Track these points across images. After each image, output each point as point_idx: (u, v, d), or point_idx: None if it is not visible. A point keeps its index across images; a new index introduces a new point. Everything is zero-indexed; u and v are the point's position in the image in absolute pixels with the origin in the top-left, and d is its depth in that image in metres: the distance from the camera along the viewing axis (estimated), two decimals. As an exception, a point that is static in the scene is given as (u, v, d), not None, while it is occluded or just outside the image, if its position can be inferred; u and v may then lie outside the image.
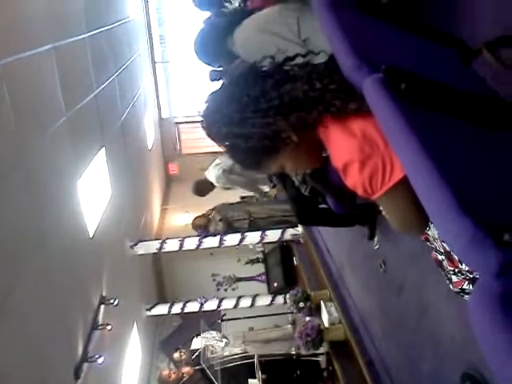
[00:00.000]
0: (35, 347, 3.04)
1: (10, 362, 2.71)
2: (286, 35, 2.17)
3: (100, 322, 4.40)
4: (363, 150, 1.04)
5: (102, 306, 4.57)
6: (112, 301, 4.64)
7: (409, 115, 0.85)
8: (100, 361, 3.96)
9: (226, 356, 5.89)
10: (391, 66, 0.93)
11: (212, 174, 5.45)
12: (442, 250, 1.32)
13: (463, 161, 0.86)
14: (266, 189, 6.32)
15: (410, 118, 0.85)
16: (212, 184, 5.55)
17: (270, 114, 1.15)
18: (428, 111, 0.92)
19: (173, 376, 5.90)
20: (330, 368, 4.95)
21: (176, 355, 6.64)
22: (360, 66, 0.99)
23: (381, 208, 1.16)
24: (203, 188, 5.67)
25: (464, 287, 1.33)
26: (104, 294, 4.70)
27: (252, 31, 2.33)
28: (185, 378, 5.86)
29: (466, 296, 1.34)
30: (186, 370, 5.94)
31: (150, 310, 7.29)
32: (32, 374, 2.97)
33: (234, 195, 7.07)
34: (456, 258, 1.27)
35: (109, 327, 4.38)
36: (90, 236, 4.37)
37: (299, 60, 1.25)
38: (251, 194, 6.27)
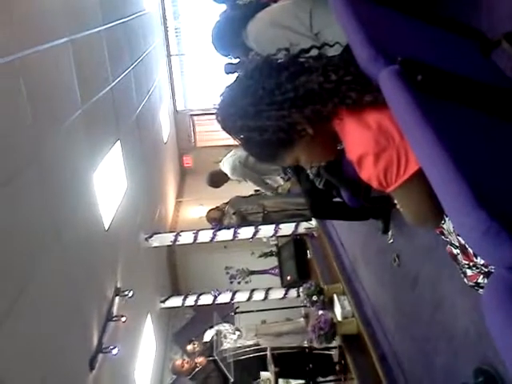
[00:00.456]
0: (51, 338, 3.08)
1: (26, 354, 2.75)
2: (297, 29, 2.16)
3: (115, 314, 4.44)
4: (378, 142, 1.03)
5: (117, 298, 4.60)
6: (127, 292, 4.67)
7: (425, 107, 0.84)
8: (114, 352, 3.99)
9: (239, 348, 5.92)
10: (407, 58, 0.92)
11: (226, 166, 5.45)
12: (457, 244, 1.31)
13: (479, 153, 0.85)
14: (280, 182, 6.31)
15: (426, 110, 0.84)
16: (226, 175, 5.56)
17: (285, 106, 1.15)
18: (445, 103, 0.91)
19: (186, 366, 5.93)
20: (343, 361, 4.96)
21: (189, 347, 6.68)
22: (376, 57, 0.99)
23: (395, 201, 1.16)
24: (218, 179, 5.68)
25: (479, 281, 1.32)
26: (119, 286, 4.74)
27: (264, 25, 2.33)
28: (198, 369, 5.89)
29: (481, 290, 1.34)
30: (200, 360, 5.96)
31: (163, 302, 7.35)
32: (48, 364, 3.01)
33: (248, 188, 7.07)
34: (471, 251, 1.27)
35: (123, 319, 4.41)
36: (106, 228, 4.41)
37: (314, 52, 1.25)
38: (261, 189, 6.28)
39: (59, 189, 3.37)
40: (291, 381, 5.72)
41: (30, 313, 2.80)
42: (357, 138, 1.09)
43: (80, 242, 3.73)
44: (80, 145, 3.86)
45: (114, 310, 4.47)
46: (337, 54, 1.25)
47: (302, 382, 5.51)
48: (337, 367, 5.15)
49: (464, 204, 0.73)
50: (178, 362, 5.98)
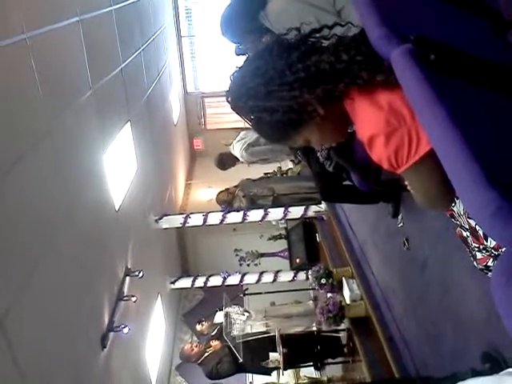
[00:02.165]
0: (63, 317, 3.12)
1: (39, 332, 2.79)
2: (321, 4, 2.13)
3: (125, 294, 4.48)
4: (389, 122, 1.02)
5: (127, 278, 4.65)
6: (137, 273, 4.71)
7: (437, 86, 0.83)
8: (125, 331, 4.04)
9: (248, 330, 5.96)
10: (421, 36, 0.91)
11: (237, 149, 5.44)
12: (467, 227, 1.31)
13: (491, 133, 0.84)
14: (290, 165, 6.31)
15: (439, 89, 0.83)
16: (235, 158, 5.54)
17: (296, 86, 1.14)
18: (457, 82, 0.90)
19: (195, 350, 5.93)
20: (351, 344, 4.99)
21: (198, 327, 6.74)
22: (389, 36, 0.97)
23: (406, 182, 1.15)
24: (226, 161, 5.67)
25: (488, 264, 1.32)
26: (129, 266, 4.78)
27: (286, 1, 2.30)
28: (208, 353, 5.89)
29: (490, 273, 1.33)
30: (215, 344, 5.96)
31: (173, 283, 7.41)
32: (61, 342, 3.06)
33: (257, 172, 7.08)
34: (481, 234, 1.26)
35: (134, 299, 4.46)
36: (116, 209, 4.44)
37: (325, 32, 1.24)
38: (276, 161, 6.24)
39: (70, 169, 3.39)
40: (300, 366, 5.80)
41: (42, 292, 2.83)
42: (368, 118, 1.08)
43: (91, 222, 3.76)
44: (91, 125, 3.87)
45: (125, 290, 4.51)
46: (350, 34, 1.24)
47: (311, 364, 5.57)
48: (345, 349, 5.19)
49: (475, 183, 0.73)
50: (187, 347, 5.97)
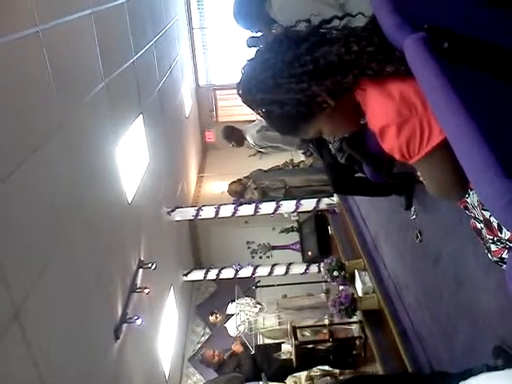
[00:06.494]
0: (77, 308, 3.14)
1: (55, 322, 2.82)
2: None
3: (138, 285, 4.51)
4: (401, 112, 1.01)
5: (140, 270, 4.67)
6: (150, 265, 4.73)
7: (451, 75, 0.82)
8: (138, 322, 4.06)
9: (260, 322, 5.98)
10: (434, 25, 0.89)
11: (250, 130, 5.44)
12: (482, 218, 1.30)
13: (506, 122, 0.83)
14: (302, 157, 6.30)
15: (452, 78, 0.82)
16: (242, 137, 5.53)
17: (305, 79, 1.13)
18: (471, 71, 0.89)
19: (216, 359, 5.99)
20: (363, 336, 4.99)
21: (211, 318, 6.78)
22: (402, 24, 0.96)
23: (418, 173, 1.14)
24: (233, 133, 5.66)
25: (503, 256, 1.30)
26: (142, 258, 4.80)
27: None
28: (227, 359, 5.92)
29: (505, 266, 1.32)
30: (237, 347, 6.01)
31: (186, 275, 7.45)
32: (75, 333, 3.09)
33: (269, 165, 7.08)
34: (495, 226, 1.25)
35: (146, 290, 4.48)
36: (129, 202, 4.45)
37: (335, 23, 1.22)
38: (287, 150, 6.22)
39: (83, 162, 3.40)
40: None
41: (56, 284, 2.85)
42: (379, 108, 1.07)
43: (103, 215, 3.78)
44: (103, 118, 3.88)
45: (138, 282, 4.53)
46: (360, 25, 1.22)
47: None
48: (357, 342, 5.19)
49: (490, 173, 0.72)
50: (209, 353, 6.04)
